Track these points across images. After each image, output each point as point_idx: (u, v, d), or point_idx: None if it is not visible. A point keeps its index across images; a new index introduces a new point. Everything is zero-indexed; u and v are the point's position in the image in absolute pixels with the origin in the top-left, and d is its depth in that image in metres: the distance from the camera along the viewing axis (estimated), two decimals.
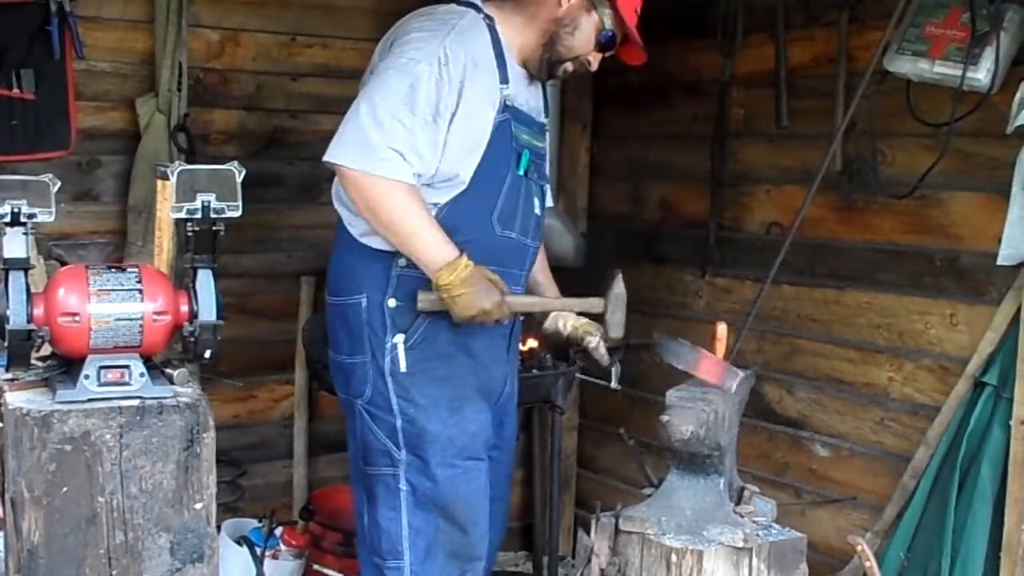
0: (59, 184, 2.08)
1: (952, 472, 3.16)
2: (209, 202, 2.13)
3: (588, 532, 2.62)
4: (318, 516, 3.82)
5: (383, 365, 2.76)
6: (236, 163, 2.18)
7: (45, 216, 2.04)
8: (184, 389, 2.14)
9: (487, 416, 2.87)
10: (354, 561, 3.07)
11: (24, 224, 2.02)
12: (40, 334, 2.03)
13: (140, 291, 2.08)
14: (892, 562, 3.29)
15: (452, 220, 2.70)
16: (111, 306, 2.05)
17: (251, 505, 3.91)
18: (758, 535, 2.49)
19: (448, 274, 2.61)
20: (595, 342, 2.91)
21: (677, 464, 2.57)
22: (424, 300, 2.68)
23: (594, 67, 2.89)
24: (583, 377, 3.44)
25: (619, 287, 2.79)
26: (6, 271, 2.02)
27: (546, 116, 3.01)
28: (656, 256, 4.25)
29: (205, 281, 2.15)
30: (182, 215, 2.13)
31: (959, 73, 3.05)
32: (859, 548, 2.56)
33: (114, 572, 2.04)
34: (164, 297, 2.10)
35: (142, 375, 2.09)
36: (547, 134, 3.02)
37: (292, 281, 4.04)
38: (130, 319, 2.07)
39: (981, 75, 3.04)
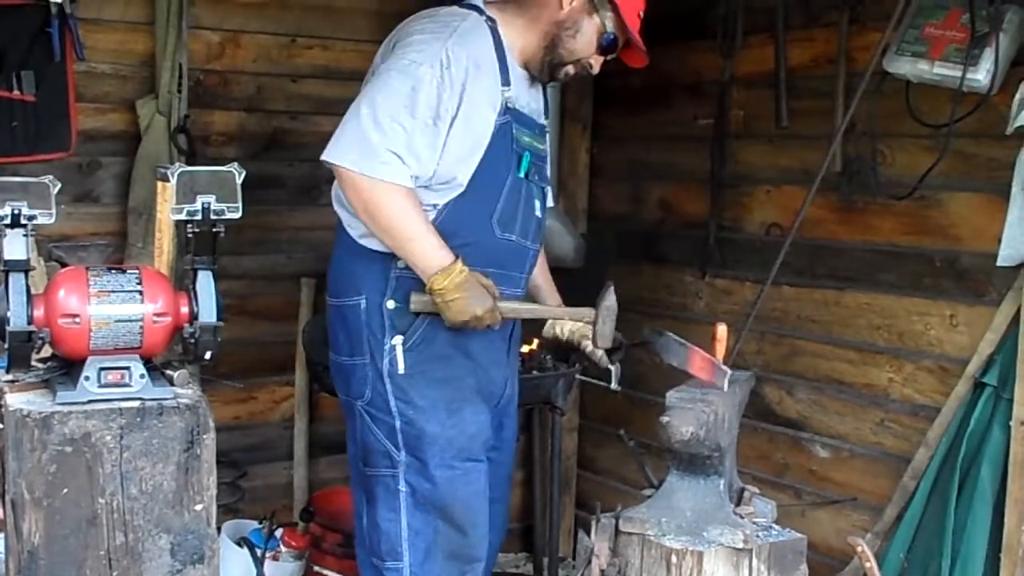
0: (59, 186, 2.08)
1: (952, 473, 3.16)
2: (209, 204, 2.13)
3: (588, 533, 2.62)
4: (318, 517, 3.82)
5: (382, 367, 2.76)
6: (236, 165, 2.18)
7: (45, 218, 2.04)
8: (184, 390, 2.14)
9: (486, 417, 2.87)
10: (354, 562, 3.06)
11: (24, 226, 2.02)
12: (40, 336, 2.03)
13: (140, 293, 2.08)
14: (892, 563, 3.29)
15: (452, 222, 2.70)
16: (111, 308, 2.05)
17: (251, 506, 3.91)
18: (758, 536, 2.49)
19: (442, 279, 2.62)
20: (592, 346, 2.91)
21: (677, 465, 2.57)
22: (417, 302, 2.69)
23: (596, 70, 2.89)
24: (583, 378, 3.44)
25: (610, 299, 2.81)
26: (6, 273, 2.01)
27: (546, 117, 3.01)
28: (656, 257, 4.25)
29: (205, 282, 2.15)
30: (182, 217, 2.13)
31: (959, 74, 3.06)
32: (859, 549, 2.56)
33: (114, 573, 2.04)
34: (164, 299, 2.10)
35: (142, 376, 2.09)
36: (548, 136, 3.03)
37: (292, 283, 4.04)
38: (130, 320, 2.07)
39: (980, 76, 3.04)
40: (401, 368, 2.75)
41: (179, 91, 3.67)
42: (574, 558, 4.44)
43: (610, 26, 2.79)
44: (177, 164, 2.19)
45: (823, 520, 3.65)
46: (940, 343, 3.34)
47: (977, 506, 3.07)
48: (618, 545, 2.53)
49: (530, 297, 3.04)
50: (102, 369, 2.06)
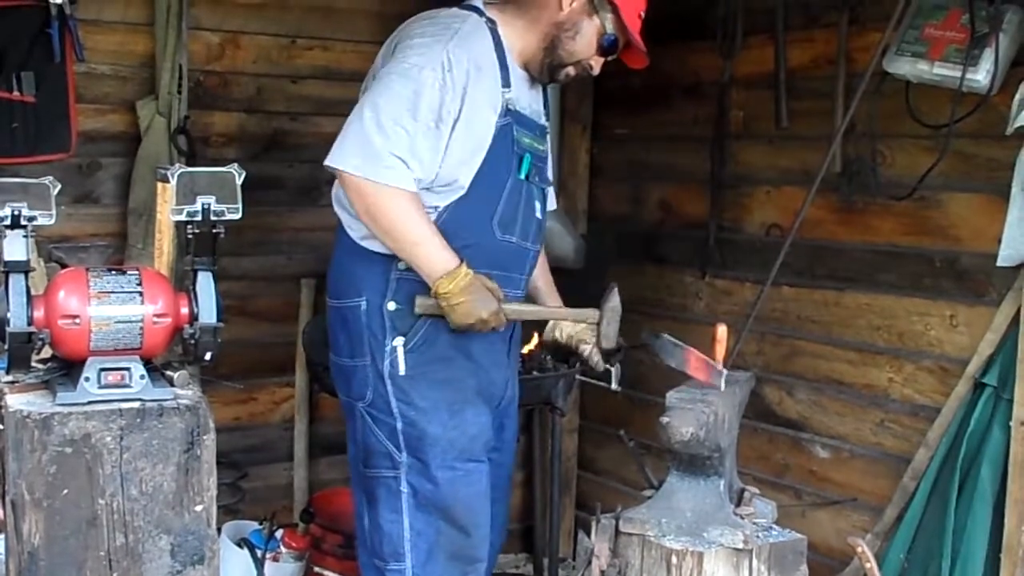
0: (59, 187, 2.08)
1: (952, 473, 3.16)
2: (209, 204, 2.13)
3: (588, 534, 2.62)
4: (318, 518, 3.82)
5: (383, 368, 2.76)
6: (236, 165, 2.19)
7: (45, 219, 2.04)
8: (184, 391, 2.14)
9: (487, 418, 2.87)
10: (355, 563, 3.07)
11: (24, 227, 2.02)
12: (40, 336, 2.03)
13: (140, 293, 2.08)
14: (892, 563, 3.29)
15: (452, 224, 2.70)
16: (111, 308, 2.06)
17: (251, 507, 3.90)
18: (758, 537, 2.49)
19: (448, 283, 2.62)
20: (588, 350, 2.92)
21: (677, 466, 2.57)
22: (421, 305, 2.70)
23: (596, 71, 2.88)
24: (583, 379, 3.44)
25: (614, 300, 2.82)
26: (6, 274, 2.01)
27: (547, 119, 3.01)
28: (656, 257, 4.25)
29: (205, 283, 2.15)
30: (182, 217, 2.13)
31: (958, 74, 3.06)
32: (859, 549, 2.56)
33: (115, 574, 2.04)
34: (164, 299, 2.11)
35: (142, 377, 2.09)
36: (548, 137, 3.02)
37: (292, 283, 4.04)
38: (130, 321, 2.07)
39: (980, 76, 3.04)
40: (402, 369, 2.75)
41: (179, 92, 3.67)
42: (574, 559, 4.44)
43: (610, 27, 2.78)
44: (177, 165, 2.19)
45: (823, 521, 3.65)
46: (940, 343, 3.34)
47: (977, 506, 3.07)
48: (618, 546, 2.53)
49: (529, 298, 3.04)
50: (102, 370, 2.06)
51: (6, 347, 2.04)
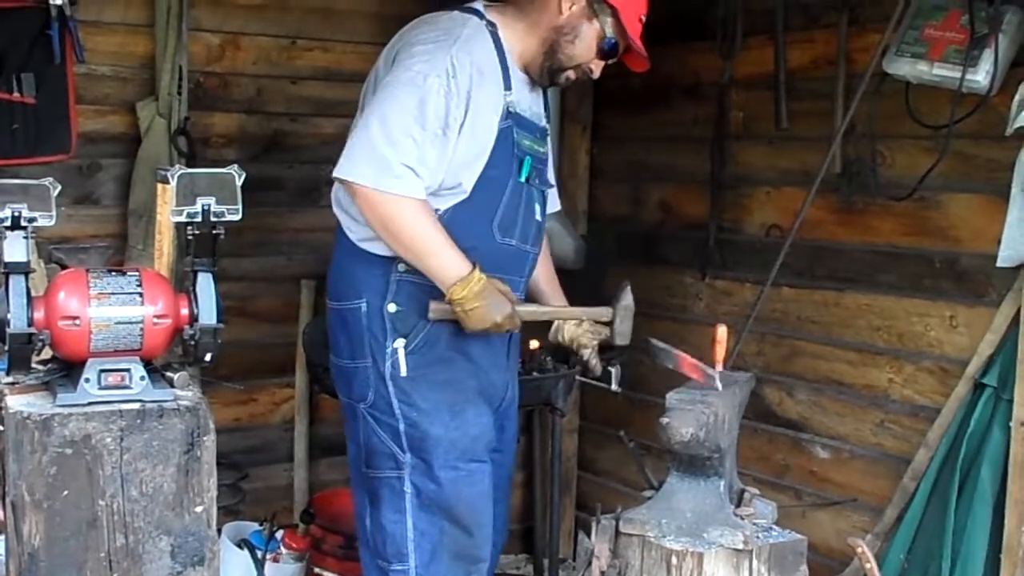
0: (59, 188, 2.08)
1: (952, 474, 3.16)
2: (209, 205, 2.13)
3: (588, 534, 2.62)
4: (319, 519, 3.82)
5: (384, 370, 2.76)
6: (236, 167, 2.19)
7: (45, 220, 2.04)
8: (184, 392, 2.14)
9: (488, 419, 2.87)
10: (355, 564, 3.07)
11: (24, 228, 2.02)
12: (41, 338, 2.03)
13: (140, 295, 2.08)
14: (892, 564, 3.29)
15: (453, 227, 2.69)
16: (111, 310, 2.06)
17: (252, 508, 3.91)
18: (758, 537, 2.49)
19: (461, 288, 2.62)
20: (588, 354, 2.93)
21: (677, 466, 2.57)
22: (436, 310, 2.70)
23: (596, 75, 2.88)
24: (583, 380, 3.44)
25: (628, 298, 2.84)
26: (6, 275, 2.02)
27: (547, 121, 3.00)
28: (656, 258, 4.25)
29: (205, 284, 2.15)
30: (182, 219, 2.13)
31: (958, 75, 3.06)
32: (859, 550, 2.56)
33: (115, 575, 2.04)
34: (164, 300, 2.11)
35: (142, 378, 2.09)
36: (549, 138, 3.02)
37: (292, 284, 4.04)
38: (130, 322, 2.07)
39: (980, 77, 3.04)
40: (403, 371, 2.75)
41: (179, 93, 3.67)
42: (574, 559, 4.44)
43: (610, 31, 2.77)
44: (177, 166, 2.19)
45: (823, 521, 3.65)
46: (940, 344, 3.34)
47: (977, 507, 3.07)
48: (618, 546, 2.53)
49: (533, 300, 3.04)
50: (102, 371, 2.06)
51: (6, 348, 2.04)
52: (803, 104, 3.69)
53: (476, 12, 2.80)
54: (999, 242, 3.07)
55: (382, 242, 2.71)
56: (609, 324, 2.85)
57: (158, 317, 2.09)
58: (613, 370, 2.95)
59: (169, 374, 2.16)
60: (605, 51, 2.81)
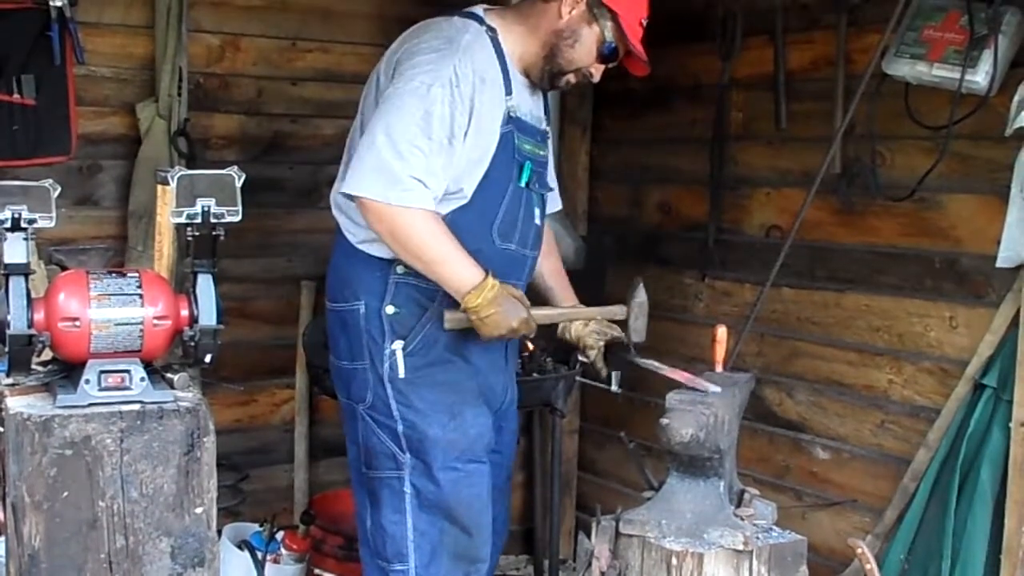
0: (59, 189, 2.08)
1: (952, 474, 3.16)
2: (209, 207, 2.13)
3: (589, 535, 2.62)
4: (319, 520, 3.82)
5: (382, 371, 2.76)
6: (236, 168, 2.19)
7: (46, 221, 2.04)
8: (185, 393, 2.14)
9: (487, 419, 2.87)
10: (355, 565, 3.07)
11: (25, 229, 2.02)
12: (41, 339, 2.03)
13: (140, 296, 2.09)
14: (892, 565, 3.29)
15: (452, 231, 2.69)
16: (111, 311, 2.06)
17: (252, 509, 3.91)
18: (758, 538, 2.49)
19: (475, 297, 2.62)
20: (593, 355, 2.93)
21: (677, 467, 2.57)
22: (451, 319, 2.70)
23: (596, 79, 2.88)
24: (583, 380, 3.45)
25: (641, 295, 2.86)
26: (7, 276, 2.02)
27: (547, 123, 3.00)
28: (656, 259, 4.25)
29: (205, 285, 2.15)
30: (182, 220, 2.14)
31: (957, 76, 3.06)
32: (859, 551, 2.56)
33: None
34: (164, 302, 2.11)
35: (142, 380, 2.09)
36: (549, 141, 3.01)
37: (292, 285, 4.05)
38: (130, 324, 2.07)
39: (979, 77, 3.05)
40: (402, 372, 2.76)
41: (179, 94, 3.68)
42: (575, 560, 4.44)
43: (610, 35, 2.77)
44: (177, 167, 2.20)
45: (823, 522, 3.65)
46: (940, 345, 3.34)
47: (977, 508, 3.07)
48: (618, 547, 2.53)
49: (544, 300, 3.04)
50: (102, 372, 2.07)
51: (6, 350, 2.04)
52: (803, 105, 3.69)
53: (476, 17, 2.80)
54: (999, 243, 3.07)
55: (381, 244, 2.71)
56: (624, 322, 2.86)
57: (158, 318, 2.09)
58: (613, 371, 2.95)
59: (169, 375, 2.16)
60: (605, 55, 2.80)
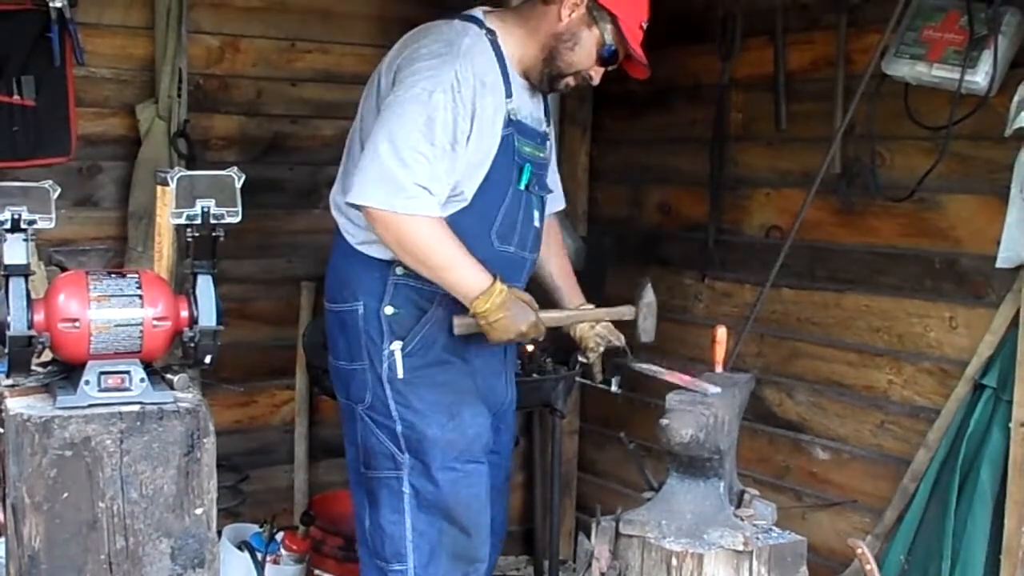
0: (59, 190, 2.08)
1: (952, 475, 3.16)
2: (209, 208, 2.13)
3: (589, 536, 2.62)
4: (319, 521, 3.82)
5: (381, 372, 2.76)
6: (236, 169, 2.19)
7: (45, 222, 2.04)
8: (184, 394, 2.14)
9: (486, 419, 2.87)
10: (355, 566, 3.07)
11: (24, 230, 2.02)
12: (40, 340, 2.03)
13: (140, 297, 2.09)
14: (892, 565, 3.29)
15: None
16: (111, 312, 2.06)
17: (252, 510, 3.91)
18: (758, 538, 2.49)
19: (484, 302, 2.63)
20: (593, 357, 2.94)
21: (677, 468, 2.57)
22: (460, 325, 2.70)
23: (596, 81, 2.88)
24: (583, 381, 3.45)
25: (650, 295, 2.88)
26: (6, 277, 2.02)
27: (547, 125, 3.00)
28: (656, 260, 4.25)
29: (205, 286, 2.15)
30: (182, 221, 2.14)
31: (957, 76, 3.06)
32: (859, 551, 2.56)
33: None
34: (164, 302, 2.11)
35: (142, 380, 2.09)
36: (548, 143, 3.01)
37: (292, 286, 4.05)
38: (130, 325, 2.07)
39: (979, 78, 3.05)
40: (400, 373, 2.76)
41: (179, 95, 3.68)
42: (575, 561, 4.44)
43: (609, 38, 2.77)
44: (177, 168, 2.20)
45: (823, 522, 3.65)
46: (940, 345, 3.34)
47: (977, 508, 3.07)
48: (618, 548, 2.53)
49: (551, 299, 3.04)
50: (102, 373, 2.07)
51: (6, 351, 2.04)
52: (802, 105, 3.69)
53: (476, 20, 2.79)
54: (998, 243, 3.07)
55: (380, 245, 2.71)
56: (632, 323, 2.86)
57: (158, 319, 2.09)
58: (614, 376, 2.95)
59: (169, 376, 2.16)
60: (605, 58, 2.80)
